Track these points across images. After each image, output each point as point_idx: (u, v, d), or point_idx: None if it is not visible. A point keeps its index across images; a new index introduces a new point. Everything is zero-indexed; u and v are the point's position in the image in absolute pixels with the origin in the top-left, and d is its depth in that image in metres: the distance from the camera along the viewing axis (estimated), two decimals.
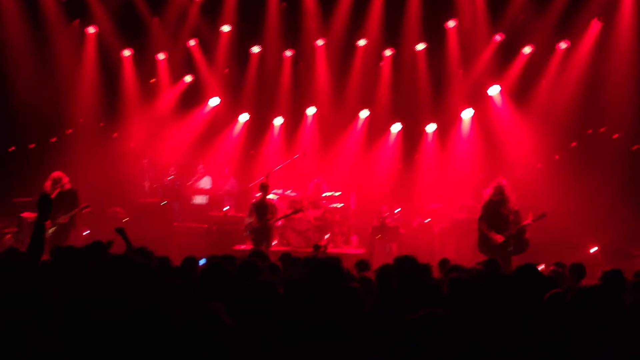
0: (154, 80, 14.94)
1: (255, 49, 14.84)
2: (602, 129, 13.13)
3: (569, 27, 13.13)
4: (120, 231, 6.58)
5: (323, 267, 4.66)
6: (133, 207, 13.12)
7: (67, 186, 9.95)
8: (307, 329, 3.07)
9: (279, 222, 11.54)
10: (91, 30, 14.12)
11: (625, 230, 12.06)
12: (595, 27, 13.02)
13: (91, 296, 2.87)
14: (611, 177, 12.14)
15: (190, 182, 14.20)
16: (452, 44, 14.14)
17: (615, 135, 12.94)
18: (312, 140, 14.77)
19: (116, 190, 13.39)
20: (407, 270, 4.68)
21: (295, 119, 15.04)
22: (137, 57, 14.59)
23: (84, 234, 11.42)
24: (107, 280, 3.52)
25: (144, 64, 14.68)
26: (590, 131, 13.32)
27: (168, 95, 14.89)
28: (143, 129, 14.42)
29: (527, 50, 13.68)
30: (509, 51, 13.81)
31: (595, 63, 12.96)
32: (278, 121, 15.02)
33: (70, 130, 14.08)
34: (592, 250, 11.69)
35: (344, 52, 14.57)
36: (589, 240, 11.80)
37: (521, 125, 13.65)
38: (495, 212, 9.46)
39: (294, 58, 14.97)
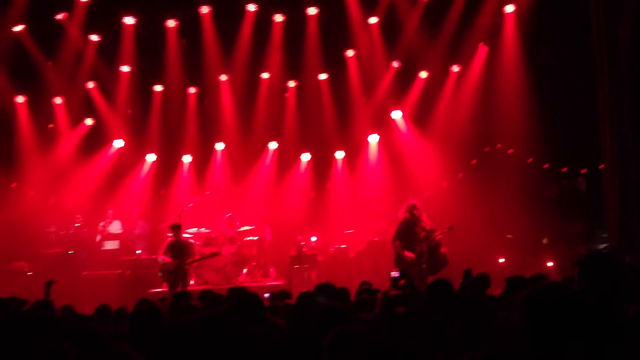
0: (51, 125, 14.35)
1: (158, 88, 14.64)
2: (498, 145, 13.91)
3: (459, 51, 13.92)
4: (48, 284, 6.31)
5: (242, 300, 4.62)
6: (37, 259, 12.42)
7: None
8: None
9: (196, 263, 11.32)
10: None
11: (527, 238, 12.77)
12: (482, 51, 13.89)
13: None
14: (511, 189, 12.84)
15: (99, 228, 13.66)
16: (353, 72, 14.59)
17: (511, 150, 13.74)
18: (222, 176, 14.67)
19: (19, 243, 12.65)
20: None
21: (204, 155, 14.89)
22: (32, 103, 14.00)
23: None
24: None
25: (40, 110, 14.09)
26: (487, 148, 14.07)
27: (68, 140, 14.33)
28: (43, 176, 13.76)
29: (423, 74, 14.34)
30: (406, 76, 14.43)
31: (485, 84, 13.78)
32: (187, 159, 14.81)
33: None
34: (501, 260, 12.27)
35: (248, 86, 14.66)
36: (497, 251, 12.38)
37: (425, 147, 14.22)
38: (409, 232, 9.75)
39: (198, 94, 14.89)
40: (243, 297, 4.66)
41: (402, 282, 6.53)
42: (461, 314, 4.18)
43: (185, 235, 11.43)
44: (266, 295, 7.01)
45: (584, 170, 12.99)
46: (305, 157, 14.85)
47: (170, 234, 10.75)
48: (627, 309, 3.08)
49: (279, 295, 6.74)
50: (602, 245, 11.42)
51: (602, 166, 10.53)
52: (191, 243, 10.86)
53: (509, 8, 13.29)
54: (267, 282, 12.14)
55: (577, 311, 2.85)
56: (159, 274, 10.64)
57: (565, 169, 13.31)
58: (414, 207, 9.90)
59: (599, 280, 3.26)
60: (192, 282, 11.67)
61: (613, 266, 3.34)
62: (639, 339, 2.83)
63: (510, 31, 13.43)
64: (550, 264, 11.66)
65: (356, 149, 14.74)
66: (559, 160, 13.26)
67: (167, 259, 10.40)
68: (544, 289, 2.94)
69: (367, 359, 2.89)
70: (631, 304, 3.16)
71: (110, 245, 13.52)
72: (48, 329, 3.74)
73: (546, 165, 13.43)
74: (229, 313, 4.16)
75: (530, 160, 13.42)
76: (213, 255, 11.13)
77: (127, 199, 14.26)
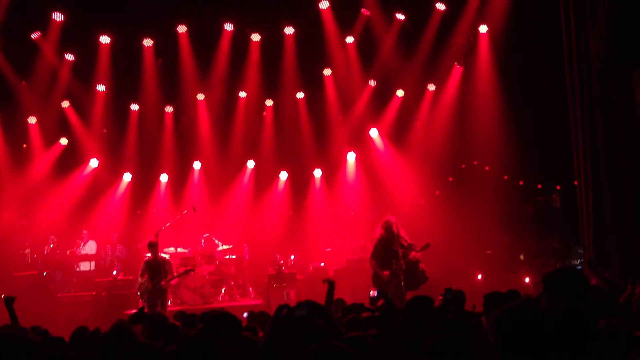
0: (26, 145, 14.16)
1: (134, 107, 14.55)
2: (474, 163, 14.06)
3: (434, 71, 14.09)
4: (9, 301, 6.10)
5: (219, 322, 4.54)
6: (9, 282, 12.16)
7: None
8: None
9: (173, 281, 11.17)
10: None
11: (504, 255, 12.88)
12: (457, 70, 14.09)
13: None
14: (487, 206, 12.97)
15: (73, 249, 13.45)
16: (330, 91, 14.68)
17: (487, 168, 13.89)
18: (200, 195, 14.57)
19: None
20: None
21: (181, 174, 14.80)
22: (5, 122, 13.82)
23: None
24: None
25: (14, 130, 13.91)
26: (464, 166, 14.21)
27: (42, 160, 14.13)
28: (17, 197, 13.53)
29: (400, 93, 14.47)
30: (383, 95, 14.55)
31: (461, 102, 13.95)
32: (164, 178, 14.70)
33: None
34: (479, 277, 12.35)
35: (225, 105, 14.65)
36: (475, 267, 12.46)
37: (402, 165, 14.31)
38: (385, 250, 9.74)
39: (175, 113, 14.83)
40: (220, 318, 4.59)
41: (380, 301, 6.49)
42: (439, 331, 4.18)
43: (162, 255, 11.29)
44: (245, 314, 6.95)
45: (558, 187, 13.18)
46: (283, 175, 14.84)
47: (147, 254, 10.63)
48: (595, 324, 3.11)
49: (259, 317, 6.65)
50: (578, 261, 11.56)
51: (576, 182, 10.67)
52: (169, 261, 10.72)
53: (483, 28, 13.52)
54: (246, 302, 12.04)
55: (546, 329, 2.88)
56: (138, 294, 10.48)
57: (540, 186, 13.49)
58: (388, 224, 9.89)
59: (564, 297, 3.28)
60: (169, 301, 11.51)
61: (579, 283, 3.36)
62: (608, 355, 2.86)
63: (484, 51, 13.65)
64: (527, 279, 11.76)
65: (334, 167, 14.79)
66: (534, 177, 13.43)
67: (146, 280, 10.25)
68: (514, 308, 2.98)
69: None
70: (600, 319, 3.19)
71: (85, 266, 13.32)
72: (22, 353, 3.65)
73: (521, 183, 13.61)
74: (205, 334, 4.11)
75: (505, 177, 13.58)
76: (187, 272, 10.99)
77: (103, 219, 14.08)
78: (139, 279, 10.42)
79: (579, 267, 11.02)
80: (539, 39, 12.08)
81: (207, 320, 4.97)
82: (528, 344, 2.82)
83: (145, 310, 6.44)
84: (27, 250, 13.25)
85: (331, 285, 6.23)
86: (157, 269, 10.29)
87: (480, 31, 13.55)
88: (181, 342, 3.73)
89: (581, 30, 10.08)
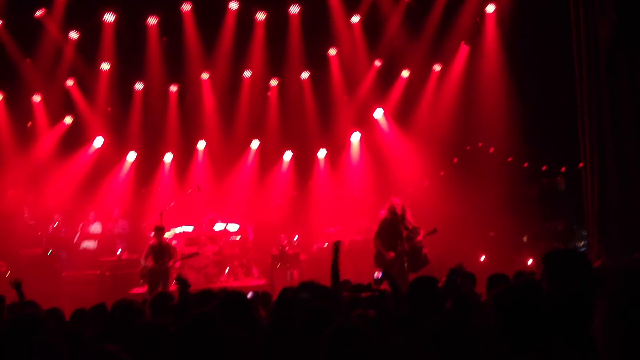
0: (30, 123, 14.15)
1: (139, 86, 14.50)
2: (479, 144, 14.00)
3: (440, 51, 13.98)
4: (17, 285, 6.19)
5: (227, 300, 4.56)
6: (15, 260, 12.24)
7: None
8: None
9: (177, 263, 11.24)
10: None
11: (508, 236, 12.88)
12: (463, 50, 13.96)
13: None
14: (492, 187, 12.95)
15: (78, 228, 13.50)
16: (335, 71, 14.59)
17: (491, 150, 13.84)
18: (204, 175, 14.59)
19: None
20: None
21: (185, 154, 14.80)
22: (10, 100, 13.79)
23: None
24: None
25: (18, 108, 13.89)
26: (469, 147, 14.16)
27: (47, 138, 14.14)
28: (21, 175, 13.57)
29: (405, 73, 14.38)
30: (388, 75, 14.46)
31: (466, 83, 13.86)
32: (168, 157, 14.71)
33: None
34: (482, 258, 12.37)
35: (230, 84, 14.59)
36: (478, 249, 12.48)
37: (407, 145, 14.27)
38: (390, 230, 9.76)
39: (180, 93, 14.79)
40: (229, 297, 4.61)
41: (384, 282, 6.49)
42: (440, 312, 4.19)
43: (167, 233, 11.34)
44: (249, 294, 6.98)
45: (563, 169, 13.13)
46: (288, 155, 14.83)
47: (152, 234, 10.67)
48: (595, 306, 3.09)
49: (262, 299, 6.67)
50: (582, 243, 11.55)
51: (581, 165, 10.62)
52: (173, 246, 10.78)
53: (490, 8, 13.37)
54: (250, 282, 12.11)
55: (546, 312, 2.86)
56: (140, 277, 10.56)
57: (544, 168, 13.43)
58: (393, 205, 9.89)
59: (565, 278, 3.22)
60: (173, 282, 11.57)
61: (580, 263, 3.31)
62: None
63: (491, 31, 13.52)
64: (530, 261, 11.78)
65: (338, 148, 14.77)
66: (539, 159, 13.37)
67: (150, 263, 10.32)
68: (515, 288, 2.97)
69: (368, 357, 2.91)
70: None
71: (88, 244, 13.38)
72: (35, 329, 3.68)
73: (526, 164, 13.56)
74: (205, 315, 4.13)
75: (510, 159, 13.53)
76: (192, 255, 11.05)
77: (107, 197, 14.11)
78: (142, 261, 10.48)
79: (583, 249, 11.03)
80: (546, 20, 11.93)
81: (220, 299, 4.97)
82: (527, 326, 2.80)
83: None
84: (26, 215, 13.30)
85: (335, 257, 5.96)
86: (161, 252, 10.35)
87: (487, 11, 13.42)
88: (180, 323, 3.75)
89: (589, 12, 9.95)
